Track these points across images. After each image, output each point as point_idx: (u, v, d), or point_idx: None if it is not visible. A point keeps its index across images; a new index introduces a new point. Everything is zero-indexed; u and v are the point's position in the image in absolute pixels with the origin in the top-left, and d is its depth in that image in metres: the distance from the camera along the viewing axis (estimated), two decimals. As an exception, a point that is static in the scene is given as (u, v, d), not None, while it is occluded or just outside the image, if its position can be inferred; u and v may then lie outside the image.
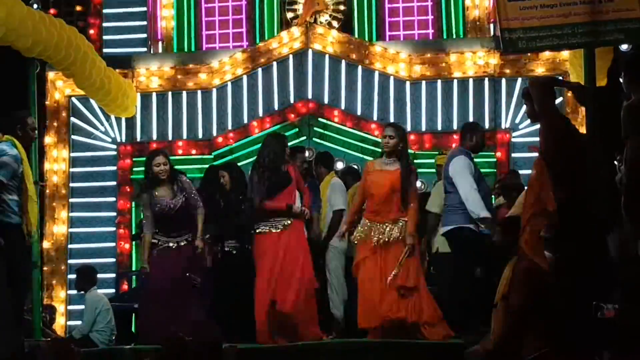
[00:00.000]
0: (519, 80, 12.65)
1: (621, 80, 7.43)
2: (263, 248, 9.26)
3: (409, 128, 12.31)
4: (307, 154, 11.71)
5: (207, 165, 12.03)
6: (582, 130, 10.30)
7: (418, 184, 12.34)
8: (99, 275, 11.81)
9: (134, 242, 13.03)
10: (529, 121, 11.79)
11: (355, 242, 9.17)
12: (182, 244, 9.41)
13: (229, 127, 13.16)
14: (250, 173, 9.73)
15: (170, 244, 9.39)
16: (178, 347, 4.10)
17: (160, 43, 14.41)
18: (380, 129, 12.78)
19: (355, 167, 12.19)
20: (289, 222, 9.30)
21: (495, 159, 12.66)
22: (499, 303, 7.33)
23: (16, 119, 8.86)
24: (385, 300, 8.78)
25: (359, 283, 9.13)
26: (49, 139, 13.26)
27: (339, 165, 12.39)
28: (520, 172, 12.11)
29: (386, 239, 8.91)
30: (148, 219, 9.52)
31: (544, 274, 7.23)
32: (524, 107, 12.24)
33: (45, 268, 12.67)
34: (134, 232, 13.00)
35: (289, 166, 9.55)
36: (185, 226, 9.48)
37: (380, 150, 12.59)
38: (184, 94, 13.32)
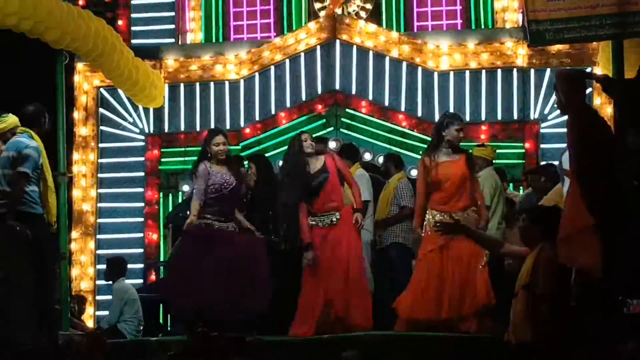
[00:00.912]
0: (548, 70, 12.58)
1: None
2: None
3: (436, 119, 12.24)
4: (333, 144, 11.70)
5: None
6: (611, 121, 10.28)
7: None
8: (127, 266, 11.87)
9: (162, 233, 13.08)
10: (558, 112, 11.74)
11: (426, 233, 9.09)
12: (231, 229, 9.11)
13: (257, 118, 13.17)
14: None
15: (224, 227, 9.11)
16: (204, 341, 4.09)
17: (188, 34, 14.41)
18: (407, 120, 12.79)
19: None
20: (337, 217, 9.26)
21: (523, 150, 12.60)
22: (519, 292, 7.30)
23: (40, 111, 8.94)
24: (442, 300, 8.75)
25: (416, 274, 9.06)
26: (77, 130, 13.31)
27: (367, 157, 12.39)
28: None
29: None
30: (200, 189, 9.06)
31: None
32: (553, 98, 12.24)
33: (73, 258, 12.74)
34: (162, 222, 13.06)
35: (326, 157, 9.45)
36: (233, 212, 9.19)
37: (408, 141, 12.72)
38: (212, 84, 13.33)
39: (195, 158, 9.57)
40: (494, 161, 10.67)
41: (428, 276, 8.93)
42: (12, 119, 8.91)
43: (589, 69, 11.78)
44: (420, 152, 12.47)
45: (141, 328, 11.09)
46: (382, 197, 10.88)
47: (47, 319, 8.72)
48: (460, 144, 9.30)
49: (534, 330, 7.09)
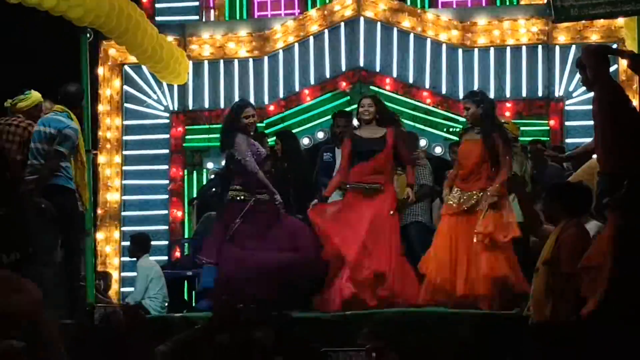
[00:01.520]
0: (573, 47, 12.50)
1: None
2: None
3: (460, 97, 12.20)
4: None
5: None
6: (637, 97, 10.22)
7: (438, 149, 12.41)
8: (151, 243, 11.94)
9: (186, 210, 13.13)
10: (582, 89, 11.68)
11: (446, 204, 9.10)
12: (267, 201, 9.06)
13: (281, 96, 13.17)
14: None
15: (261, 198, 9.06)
16: (229, 315, 4.11)
17: (212, 11, 14.39)
18: (432, 97, 12.76)
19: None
20: (381, 189, 9.26)
21: (548, 127, 12.54)
22: (540, 268, 7.28)
23: (81, 93, 9.04)
24: (461, 278, 8.74)
25: (436, 238, 9.07)
26: (101, 107, 13.36)
27: (422, 143, 12.43)
28: (573, 140, 12.08)
29: (476, 209, 8.85)
30: (251, 160, 8.99)
31: (589, 241, 7.18)
32: (578, 75, 12.17)
33: (98, 235, 12.81)
34: (187, 199, 13.11)
35: (387, 130, 9.36)
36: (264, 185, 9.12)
37: (432, 118, 12.69)
38: (236, 62, 13.34)
39: (219, 135, 9.55)
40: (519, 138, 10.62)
41: (445, 240, 8.94)
42: (35, 96, 9.00)
43: (614, 45, 11.69)
44: (444, 130, 12.51)
45: (166, 304, 11.14)
46: (401, 177, 10.86)
47: (74, 295, 8.83)
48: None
49: (554, 308, 7.07)
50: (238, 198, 9.05)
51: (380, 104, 9.52)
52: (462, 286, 8.63)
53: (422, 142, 12.44)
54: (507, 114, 12.41)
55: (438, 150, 12.60)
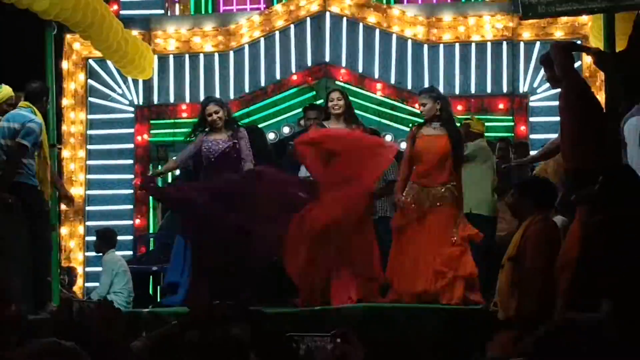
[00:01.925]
0: (538, 44, 12.60)
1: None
2: None
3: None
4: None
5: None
6: (601, 95, 10.31)
7: (404, 145, 12.45)
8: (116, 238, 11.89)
9: (151, 205, 13.09)
10: (547, 85, 11.76)
11: (401, 206, 9.11)
12: None
13: (246, 90, 13.15)
14: None
15: None
16: (205, 311, 4.11)
17: (177, 5, 14.35)
18: (397, 93, 12.79)
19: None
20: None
21: (513, 123, 12.63)
22: (505, 264, 7.33)
23: (45, 90, 8.98)
24: (422, 274, 8.78)
25: (393, 246, 9.09)
26: (66, 101, 13.27)
27: (387, 138, 12.44)
28: (537, 136, 12.19)
29: (437, 204, 8.88)
30: (185, 152, 9.40)
31: (558, 236, 7.23)
32: (542, 71, 12.26)
33: (62, 230, 12.73)
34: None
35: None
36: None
37: (397, 113, 12.73)
38: (201, 56, 13.30)
39: (185, 130, 9.64)
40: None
41: (402, 249, 8.97)
42: (6, 90, 8.94)
43: (579, 42, 11.79)
44: (409, 125, 12.54)
45: (131, 299, 11.11)
46: None
47: (42, 291, 8.79)
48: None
49: (518, 305, 7.11)
50: None
51: (347, 98, 9.49)
52: (422, 282, 8.69)
53: (388, 137, 12.48)
54: (469, 110, 12.49)
55: (404, 145, 12.61)
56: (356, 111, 12.17)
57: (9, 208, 8.44)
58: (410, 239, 8.93)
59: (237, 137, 9.26)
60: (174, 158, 9.16)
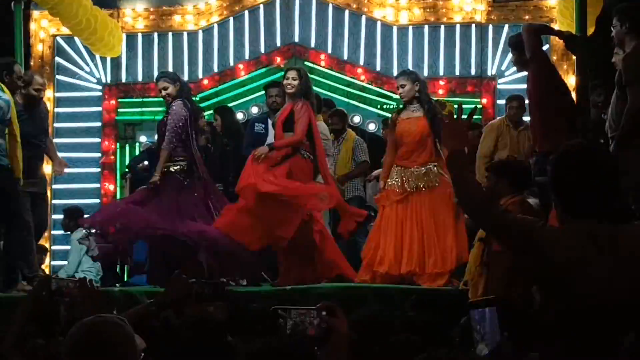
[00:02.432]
0: (506, 27, 12.64)
1: (612, 28, 7.47)
2: None
3: (394, 74, 12.27)
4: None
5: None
6: (570, 77, 10.41)
7: (372, 126, 12.51)
8: (84, 216, 11.85)
9: (118, 183, 13.04)
10: (514, 68, 11.83)
11: (385, 189, 9.17)
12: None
13: (215, 70, 13.12)
14: None
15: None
16: (182, 290, 4.12)
17: (146, -18, 14.25)
18: (366, 74, 12.82)
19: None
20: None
21: (481, 106, 12.69)
22: (475, 244, 7.39)
23: (8, 63, 8.89)
24: (402, 255, 8.84)
25: (374, 228, 9.16)
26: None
27: (356, 120, 12.58)
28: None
29: (420, 184, 8.94)
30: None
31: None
32: (510, 55, 12.33)
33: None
34: (119, 173, 13.02)
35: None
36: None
37: (366, 95, 12.77)
38: (170, 35, 13.23)
39: (152, 109, 9.64)
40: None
41: (384, 231, 9.02)
42: None
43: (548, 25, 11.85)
44: (378, 106, 12.61)
45: (99, 278, 11.08)
46: (342, 153, 10.98)
47: (13, 269, 8.76)
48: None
49: (486, 285, 7.17)
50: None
51: (304, 77, 9.31)
52: (405, 264, 8.75)
53: (357, 119, 12.55)
54: (441, 91, 12.54)
55: (372, 127, 12.70)
56: (324, 92, 12.34)
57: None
58: (392, 220, 8.99)
59: (169, 113, 9.25)
60: None
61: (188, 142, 9.10)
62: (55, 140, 12.99)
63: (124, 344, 3.14)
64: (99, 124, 13.23)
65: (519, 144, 10.08)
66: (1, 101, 8.56)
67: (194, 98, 12.34)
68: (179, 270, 4.42)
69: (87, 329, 3.15)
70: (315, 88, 12.57)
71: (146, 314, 4.25)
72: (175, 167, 9.06)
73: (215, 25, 13.14)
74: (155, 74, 12.87)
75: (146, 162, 11.26)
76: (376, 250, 8.94)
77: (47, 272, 11.93)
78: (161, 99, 9.79)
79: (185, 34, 13.19)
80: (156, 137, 9.80)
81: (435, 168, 9.00)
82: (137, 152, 13.00)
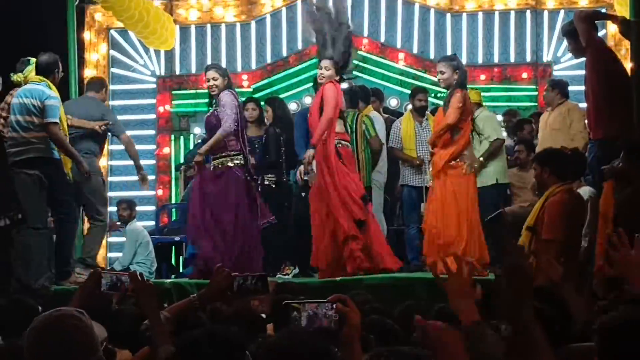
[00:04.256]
0: (562, 12, 12.48)
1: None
2: None
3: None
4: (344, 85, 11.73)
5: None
6: (627, 64, 10.20)
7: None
8: (139, 208, 11.93)
9: (173, 175, 13.09)
10: (570, 54, 11.66)
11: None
12: (216, 165, 9.15)
13: (268, 61, 13.11)
14: None
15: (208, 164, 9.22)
16: (225, 282, 4.10)
17: (199, -26, 14.27)
18: (419, 62, 12.71)
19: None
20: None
21: (536, 93, 12.53)
22: (523, 233, 7.30)
23: (55, 61, 8.92)
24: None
25: None
26: (88, 72, 13.25)
27: (393, 103, 12.50)
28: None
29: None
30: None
31: (580, 208, 7.17)
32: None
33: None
34: (174, 164, 13.07)
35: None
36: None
37: (419, 83, 12.64)
38: (223, 26, 13.25)
39: (206, 100, 9.65)
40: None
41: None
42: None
43: (603, 10, 11.66)
44: (432, 95, 12.48)
45: (154, 270, 11.15)
46: None
47: (63, 262, 8.83)
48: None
49: (534, 275, 7.07)
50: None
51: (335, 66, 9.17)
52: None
53: (394, 102, 12.52)
54: (492, 79, 12.43)
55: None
56: (378, 81, 12.28)
57: (33, 181, 8.48)
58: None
59: (218, 106, 9.21)
60: None
61: (239, 134, 9.08)
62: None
63: (82, 336, 3.16)
64: (153, 116, 13.31)
65: None
66: (55, 100, 8.64)
67: (248, 89, 12.48)
68: (221, 264, 4.40)
69: (44, 324, 3.16)
70: (367, 77, 12.63)
71: (190, 307, 4.23)
72: (235, 162, 9.05)
73: (268, 16, 13.12)
74: (209, 65, 12.98)
75: None
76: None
77: (100, 264, 12.05)
78: (214, 91, 9.79)
79: (238, 24, 13.20)
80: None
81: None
82: (191, 144, 13.05)
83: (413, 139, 10.34)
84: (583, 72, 8.57)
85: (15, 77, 8.90)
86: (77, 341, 3.14)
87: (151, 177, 13.06)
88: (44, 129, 8.53)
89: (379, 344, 3.24)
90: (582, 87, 9.36)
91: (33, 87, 8.69)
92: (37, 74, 8.81)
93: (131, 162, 12.26)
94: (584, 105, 10.08)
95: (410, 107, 11.01)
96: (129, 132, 12.95)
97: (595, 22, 8.06)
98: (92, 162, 9.34)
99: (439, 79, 9.10)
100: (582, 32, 7.64)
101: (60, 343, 3.11)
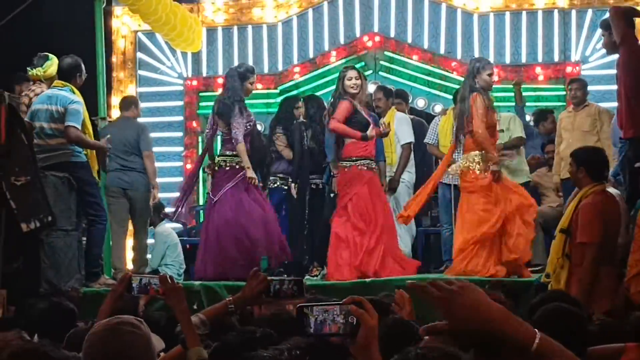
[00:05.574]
0: (589, 11, 12.39)
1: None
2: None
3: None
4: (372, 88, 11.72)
5: (272, 100, 12.14)
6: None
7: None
8: (167, 210, 11.94)
9: (201, 177, 13.09)
10: (599, 54, 11.61)
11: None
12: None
13: (295, 62, 13.11)
14: None
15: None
16: (260, 286, 4.07)
17: (225, -23, 14.30)
18: (447, 63, 12.67)
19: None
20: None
21: (564, 92, 12.45)
22: (557, 235, 7.24)
23: (77, 65, 8.95)
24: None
25: None
26: (115, 75, 13.31)
27: (420, 104, 12.44)
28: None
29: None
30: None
31: (613, 208, 7.11)
32: (594, 40, 12.07)
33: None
34: (201, 166, 13.06)
35: None
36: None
37: (447, 84, 12.60)
38: (250, 28, 13.26)
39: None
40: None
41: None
42: (56, 59, 8.97)
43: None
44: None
45: (182, 271, 11.16)
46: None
47: (93, 264, 8.87)
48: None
49: (569, 278, 7.02)
50: None
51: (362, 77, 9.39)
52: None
53: (421, 102, 12.47)
54: (520, 79, 12.37)
55: (437, 109, 12.56)
56: (404, 81, 12.25)
57: (63, 185, 8.52)
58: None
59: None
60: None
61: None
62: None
63: (140, 347, 3.12)
64: (180, 118, 13.33)
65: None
66: (78, 104, 8.66)
67: (275, 91, 12.52)
68: (257, 267, 4.38)
69: (102, 334, 3.12)
70: (394, 78, 12.59)
71: (226, 311, 4.21)
72: (237, 161, 9.61)
73: (295, 17, 13.12)
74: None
75: None
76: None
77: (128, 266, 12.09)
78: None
79: (264, 26, 13.20)
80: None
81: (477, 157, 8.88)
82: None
83: (449, 136, 10.31)
84: (610, 71, 8.50)
85: (35, 72, 8.94)
86: (135, 349, 3.10)
87: (179, 179, 13.12)
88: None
89: (402, 346, 3.20)
90: (610, 87, 9.33)
91: (56, 92, 8.72)
92: (59, 78, 8.84)
93: (161, 165, 12.38)
94: (607, 105, 10.08)
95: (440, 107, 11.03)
96: (156, 134, 13.15)
97: (633, 19, 7.95)
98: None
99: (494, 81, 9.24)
100: (616, 29, 7.57)
101: (120, 351, 3.08)
